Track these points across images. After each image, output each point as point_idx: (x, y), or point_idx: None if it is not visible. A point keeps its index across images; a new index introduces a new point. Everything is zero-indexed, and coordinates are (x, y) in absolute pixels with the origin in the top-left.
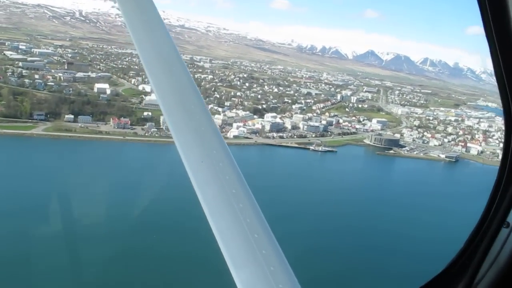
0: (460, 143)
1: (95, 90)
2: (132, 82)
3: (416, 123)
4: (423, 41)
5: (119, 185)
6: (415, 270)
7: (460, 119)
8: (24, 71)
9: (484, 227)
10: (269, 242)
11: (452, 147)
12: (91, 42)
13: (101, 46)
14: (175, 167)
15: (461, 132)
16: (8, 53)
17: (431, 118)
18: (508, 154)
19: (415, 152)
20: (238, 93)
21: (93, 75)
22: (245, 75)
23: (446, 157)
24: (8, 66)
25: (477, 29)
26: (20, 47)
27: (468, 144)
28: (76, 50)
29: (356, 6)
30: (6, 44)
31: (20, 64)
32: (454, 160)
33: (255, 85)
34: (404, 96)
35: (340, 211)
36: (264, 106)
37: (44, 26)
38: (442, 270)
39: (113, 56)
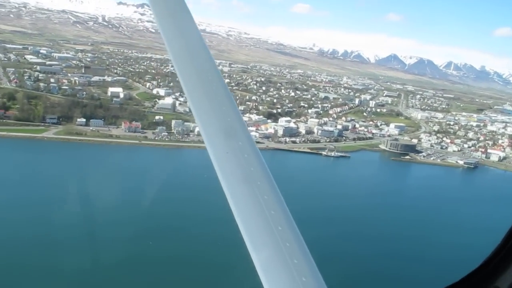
0: (480, 149)
1: (109, 94)
2: (147, 86)
3: (436, 128)
4: (447, 44)
5: (125, 188)
6: (434, 276)
7: (482, 124)
8: (40, 75)
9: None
10: (293, 236)
11: (471, 153)
12: (112, 46)
13: (121, 51)
14: (183, 170)
15: (482, 138)
16: (28, 57)
17: (451, 123)
18: None
19: (432, 158)
20: (254, 97)
21: (109, 79)
22: (262, 79)
23: (464, 163)
24: (27, 70)
25: (506, 31)
26: (41, 51)
27: (489, 150)
28: (96, 55)
29: (379, 9)
30: (29, 49)
31: (38, 68)
32: (472, 166)
33: (271, 89)
34: (425, 101)
35: (349, 216)
36: (279, 110)
37: (67, 31)
38: (472, 271)
39: (131, 60)
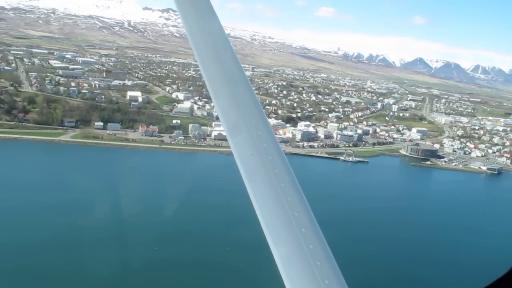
0: (505, 155)
1: (127, 97)
2: (167, 90)
3: (460, 132)
4: (475, 47)
5: (136, 192)
6: (460, 280)
7: (509, 129)
8: (62, 79)
9: None
10: (316, 238)
11: (496, 158)
12: (136, 51)
13: (145, 55)
14: (198, 174)
15: (508, 143)
16: (53, 62)
17: (476, 127)
18: None
19: (453, 164)
20: (274, 101)
21: (129, 83)
22: (284, 83)
23: (488, 169)
24: (48, 74)
25: None
26: (66, 56)
27: None
28: (119, 59)
29: (404, 12)
30: (55, 53)
31: (60, 72)
32: (496, 172)
33: (293, 93)
34: (450, 105)
35: (366, 219)
36: (299, 114)
37: (94, 36)
38: (501, 276)
39: (154, 64)
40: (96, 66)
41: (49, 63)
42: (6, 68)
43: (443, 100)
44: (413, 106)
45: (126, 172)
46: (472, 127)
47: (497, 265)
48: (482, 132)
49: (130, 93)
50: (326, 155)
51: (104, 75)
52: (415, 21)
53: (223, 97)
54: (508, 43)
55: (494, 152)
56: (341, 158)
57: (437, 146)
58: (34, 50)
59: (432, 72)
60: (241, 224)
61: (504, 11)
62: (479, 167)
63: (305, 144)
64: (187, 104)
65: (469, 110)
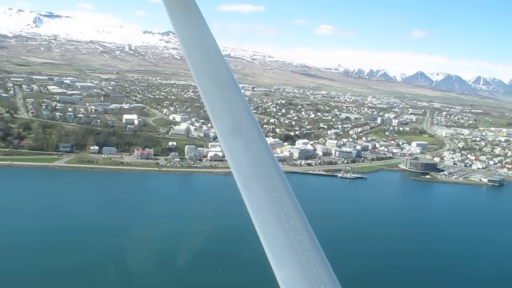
0: (506, 165)
1: (123, 121)
2: (164, 112)
3: (461, 145)
4: (475, 59)
5: (122, 215)
6: None
7: (511, 138)
8: (58, 105)
9: None
10: (319, 261)
11: (497, 169)
12: (137, 74)
13: (145, 78)
14: (190, 196)
15: (510, 153)
16: (51, 87)
17: (478, 139)
18: None
19: (454, 177)
20: (272, 120)
21: (126, 106)
22: (283, 101)
23: (488, 181)
24: (45, 100)
25: None
26: (65, 81)
27: None
28: (119, 83)
29: (404, 27)
30: (54, 79)
31: (58, 98)
32: (497, 184)
33: (291, 111)
34: (452, 117)
35: (365, 234)
36: (297, 132)
37: (95, 61)
38: None
39: (153, 87)
40: (95, 90)
41: (47, 89)
42: (3, 95)
43: (444, 113)
44: (414, 120)
45: (118, 196)
46: (474, 138)
47: (504, 276)
48: (483, 144)
49: (126, 116)
50: (324, 173)
51: (102, 99)
52: (415, 35)
53: (223, 121)
54: (506, 54)
55: (495, 164)
56: (339, 175)
57: (437, 159)
58: (34, 77)
59: (433, 85)
60: (236, 244)
61: (502, 22)
62: (480, 179)
63: (303, 162)
64: (183, 126)
65: (471, 122)
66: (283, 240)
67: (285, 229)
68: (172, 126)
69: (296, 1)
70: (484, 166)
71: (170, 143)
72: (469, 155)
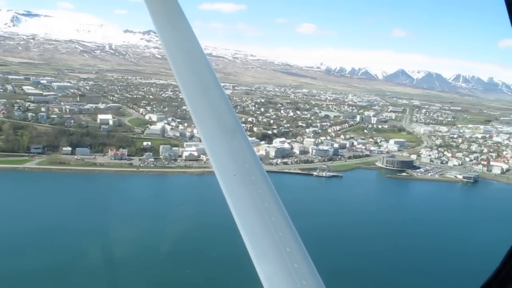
0: (482, 162)
1: (98, 121)
2: (140, 112)
3: (438, 142)
4: (456, 57)
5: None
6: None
7: (488, 135)
8: (32, 105)
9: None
10: (301, 257)
11: (472, 166)
12: (117, 73)
13: (125, 77)
14: (162, 196)
15: (485, 150)
16: (26, 88)
17: (455, 136)
18: None
19: (429, 174)
20: (250, 119)
21: (102, 106)
22: (262, 100)
23: (464, 177)
24: (18, 101)
25: (510, 42)
26: (42, 81)
27: (492, 163)
28: (97, 82)
29: (384, 26)
30: (31, 79)
31: (32, 98)
32: (472, 180)
33: (270, 110)
34: (431, 115)
35: (334, 234)
36: (275, 131)
37: (74, 61)
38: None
39: (132, 86)
40: (72, 90)
41: (22, 89)
42: None
43: (424, 110)
44: (393, 118)
45: (88, 197)
46: (451, 136)
47: (480, 270)
48: (460, 141)
49: (100, 116)
50: (300, 171)
51: (78, 99)
52: (396, 34)
53: (205, 120)
54: (485, 52)
55: (471, 160)
56: (314, 173)
57: (414, 156)
58: (10, 77)
59: (414, 83)
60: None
61: (483, 21)
62: (455, 176)
63: (279, 161)
64: (159, 125)
65: (449, 119)
66: (265, 236)
67: (267, 225)
68: (148, 126)
69: (277, 0)
70: (460, 163)
71: (144, 143)
72: (445, 152)
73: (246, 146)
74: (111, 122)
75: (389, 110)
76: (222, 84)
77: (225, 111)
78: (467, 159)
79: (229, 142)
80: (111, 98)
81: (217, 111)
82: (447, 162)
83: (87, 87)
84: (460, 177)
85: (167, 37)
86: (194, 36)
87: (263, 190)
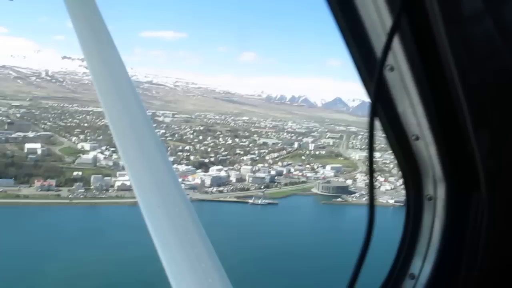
0: None
1: (25, 150)
2: (73, 141)
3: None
4: None
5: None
6: None
7: None
8: None
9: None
10: (215, 271)
11: (402, 190)
12: (53, 101)
13: (61, 105)
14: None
15: None
16: None
17: (388, 161)
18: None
19: (364, 199)
20: (187, 147)
21: (32, 134)
22: (201, 128)
23: (395, 202)
24: None
25: None
26: None
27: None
28: (30, 110)
29: (319, 55)
30: None
31: None
32: (403, 205)
33: (209, 138)
34: (366, 141)
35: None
36: (212, 159)
37: (7, 87)
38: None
39: (67, 114)
40: (0, 118)
41: None
42: None
43: (360, 136)
44: (331, 144)
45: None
46: (383, 161)
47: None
48: (391, 166)
49: (28, 145)
50: (235, 199)
51: (6, 128)
52: (331, 63)
53: (128, 149)
54: None
55: (401, 185)
56: (250, 201)
57: (349, 181)
58: None
59: (350, 111)
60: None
61: None
62: (387, 201)
63: (214, 189)
64: (92, 155)
65: (382, 145)
66: (187, 267)
67: (189, 256)
68: (80, 155)
69: (218, 29)
70: (392, 187)
71: (75, 173)
72: (379, 177)
73: (171, 177)
74: (39, 152)
75: (327, 137)
76: (161, 112)
77: (150, 141)
78: (398, 183)
79: (153, 172)
80: (43, 126)
81: (142, 141)
82: (379, 187)
83: (18, 115)
84: (391, 201)
85: (94, 64)
86: (121, 63)
87: (186, 221)
